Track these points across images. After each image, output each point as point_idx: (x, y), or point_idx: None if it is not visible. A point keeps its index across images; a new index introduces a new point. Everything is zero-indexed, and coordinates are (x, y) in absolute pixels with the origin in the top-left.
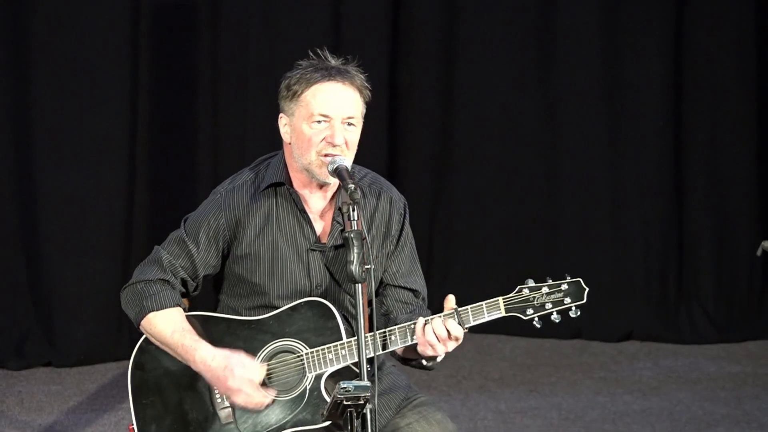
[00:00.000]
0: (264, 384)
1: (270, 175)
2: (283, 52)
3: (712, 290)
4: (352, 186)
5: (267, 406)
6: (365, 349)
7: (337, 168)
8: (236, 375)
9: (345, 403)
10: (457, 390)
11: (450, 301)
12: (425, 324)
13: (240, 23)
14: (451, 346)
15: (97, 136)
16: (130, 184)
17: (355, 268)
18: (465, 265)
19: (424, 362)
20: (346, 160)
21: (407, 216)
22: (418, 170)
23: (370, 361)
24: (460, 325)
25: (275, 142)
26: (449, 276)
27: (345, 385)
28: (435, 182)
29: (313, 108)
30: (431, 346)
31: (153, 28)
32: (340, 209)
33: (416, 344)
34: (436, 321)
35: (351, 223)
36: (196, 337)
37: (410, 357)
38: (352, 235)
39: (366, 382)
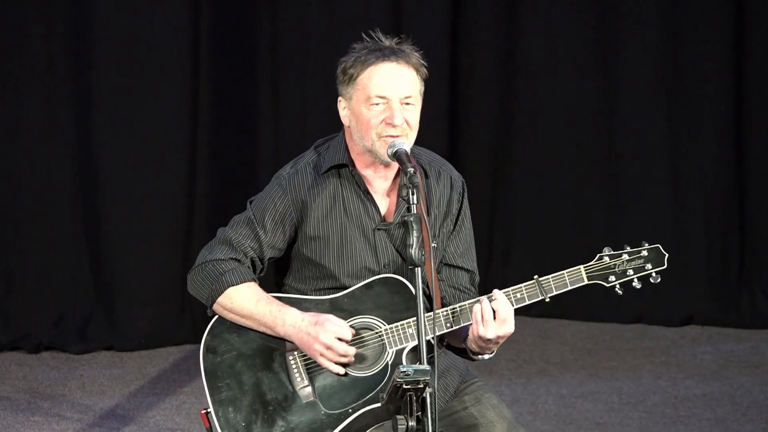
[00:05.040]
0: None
1: (331, 157)
2: (343, 33)
3: None
4: (411, 169)
5: (347, 382)
6: (436, 327)
7: (396, 152)
8: (327, 330)
9: (405, 386)
10: (518, 374)
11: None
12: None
13: (300, 9)
14: (504, 329)
15: (158, 119)
16: (191, 166)
17: (414, 251)
18: (526, 248)
19: (472, 355)
20: (406, 143)
21: (465, 195)
22: (479, 154)
23: (438, 339)
24: (542, 295)
25: (336, 123)
26: (510, 260)
27: (404, 369)
28: (496, 165)
29: (370, 90)
30: (486, 321)
31: (213, 9)
32: (401, 190)
33: (466, 331)
34: (485, 300)
35: (411, 206)
36: (282, 303)
37: (458, 346)
38: (411, 219)
39: (425, 366)
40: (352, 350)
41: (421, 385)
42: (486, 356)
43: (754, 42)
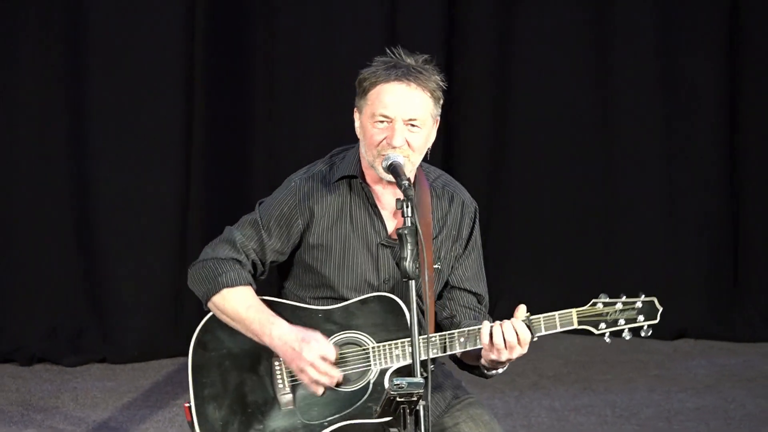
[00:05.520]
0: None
1: (344, 168)
2: (338, 46)
3: (766, 288)
4: (405, 183)
5: (327, 395)
6: (429, 350)
7: (391, 164)
8: (312, 347)
9: (398, 399)
10: (512, 387)
11: (521, 310)
12: (492, 327)
13: (295, 17)
14: (517, 353)
15: (152, 130)
16: (185, 179)
17: (408, 264)
18: (520, 261)
19: (486, 372)
20: (401, 156)
21: (477, 220)
22: (473, 167)
23: (431, 360)
24: (530, 330)
25: (330, 136)
26: (504, 273)
27: (398, 382)
28: (489, 179)
29: (376, 108)
30: (497, 350)
31: (208, 21)
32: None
33: (480, 349)
34: (507, 324)
35: (405, 219)
36: (273, 313)
37: (471, 363)
38: (405, 232)
39: (419, 379)
40: (335, 371)
41: (415, 398)
42: (500, 370)
43: (748, 55)
